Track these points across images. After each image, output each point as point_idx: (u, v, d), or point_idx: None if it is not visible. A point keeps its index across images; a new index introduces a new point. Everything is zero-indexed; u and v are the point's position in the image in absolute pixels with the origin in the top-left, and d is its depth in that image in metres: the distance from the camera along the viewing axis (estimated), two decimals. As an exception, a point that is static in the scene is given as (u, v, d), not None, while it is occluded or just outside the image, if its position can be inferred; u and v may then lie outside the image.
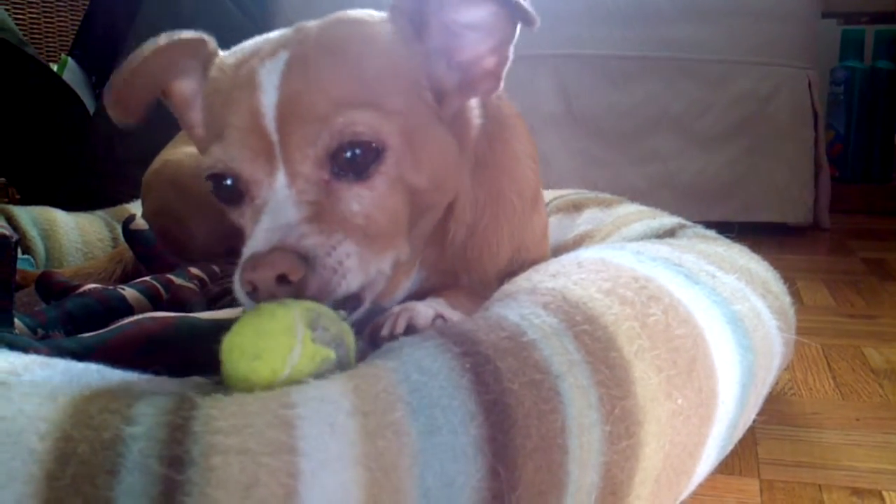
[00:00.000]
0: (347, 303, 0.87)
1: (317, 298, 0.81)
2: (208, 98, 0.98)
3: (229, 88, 0.91)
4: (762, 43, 2.81)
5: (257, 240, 0.83)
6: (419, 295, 0.98)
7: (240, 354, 0.71)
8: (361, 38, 0.93)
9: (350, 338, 0.80)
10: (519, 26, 0.95)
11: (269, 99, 0.87)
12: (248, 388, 0.71)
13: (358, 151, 0.87)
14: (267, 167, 0.88)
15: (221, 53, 1.01)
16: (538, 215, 1.23)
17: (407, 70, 0.94)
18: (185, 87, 1.09)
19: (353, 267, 0.85)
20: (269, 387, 0.71)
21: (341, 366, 0.76)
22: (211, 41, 1.04)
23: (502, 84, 0.99)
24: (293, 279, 0.79)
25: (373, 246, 0.88)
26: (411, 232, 0.96)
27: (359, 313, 0.91)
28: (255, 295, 0.81)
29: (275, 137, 0.87)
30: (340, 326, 0.79)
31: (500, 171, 1.12)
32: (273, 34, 0.96)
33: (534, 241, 1.20)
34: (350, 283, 0.85)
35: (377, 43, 0.93)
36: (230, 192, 0.93)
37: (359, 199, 0.88)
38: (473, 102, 1.06)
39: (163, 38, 1.04)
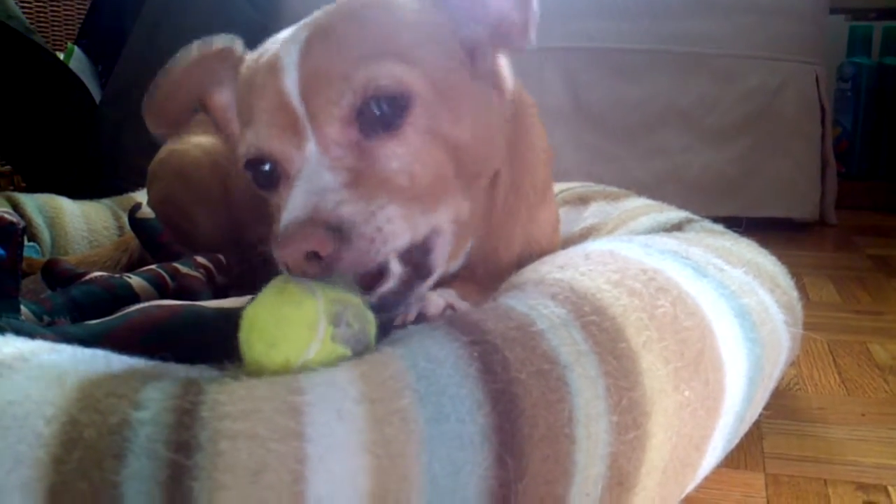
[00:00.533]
0: (418, 272, 0.87)
1: (353, 269, 0.79)
2: (240, 93, 0.98)
3: (257, 78, 0.91)
4: (770, 38, 2.79)
5: (293, 206, 0.80)
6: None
7: (258, 337, 0.72)
8: (381, 6, 0.91)
9: (373, 329, 0.79)
10: None
11: (290, 76, 0.86)
12: (259, 371, 0.71)
13: (385, 105, 0.85)
14: (297, 141, 0.86)
15: (247, 55, 1.01)
16: (548, 208, 1.22)
17: (433, 27, 0.93)
18: (224, 97, 1.09)
19: (396, 230, 0.83)
20: (278, 373, 0.71)
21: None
22: (236, 47, 1.04)
23: (533, 36, 0.95)
24: (324, 254, 0.77)
25: (418, 204, 0.86)
26: (467, 188, 0.94)
27: (433, 279, 0.91)
28: (290, 272, 0.79)
29: (301, 111, 0.86)
30: (365, 320, 0.78)
31: (520, 160, 1.10)
32: (298, 24, 0.95)
33: (543, 234, 1.20)
34: (394, 245, 0.83)
35: (398, 9, 0.92)
36: (267, 176, 0.91)
37: (396, 156, 0.86)
38: (505, 66, 1.05)
39: (195, 49, 1.04)
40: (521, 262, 1.13)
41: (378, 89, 0.85)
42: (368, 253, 0.80)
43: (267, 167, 0.91)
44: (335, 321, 0.74)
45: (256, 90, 0.90)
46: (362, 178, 0.83)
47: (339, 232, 0.78)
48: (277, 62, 0.88)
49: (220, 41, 1.04)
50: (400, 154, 0.87)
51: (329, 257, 0.77)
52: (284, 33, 0.94)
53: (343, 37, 0.87)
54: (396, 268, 0.85)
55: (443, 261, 0.91)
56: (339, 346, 0.74)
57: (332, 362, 0.73)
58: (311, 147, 0.85)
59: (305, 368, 0.71)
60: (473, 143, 0.93)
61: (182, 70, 1.03)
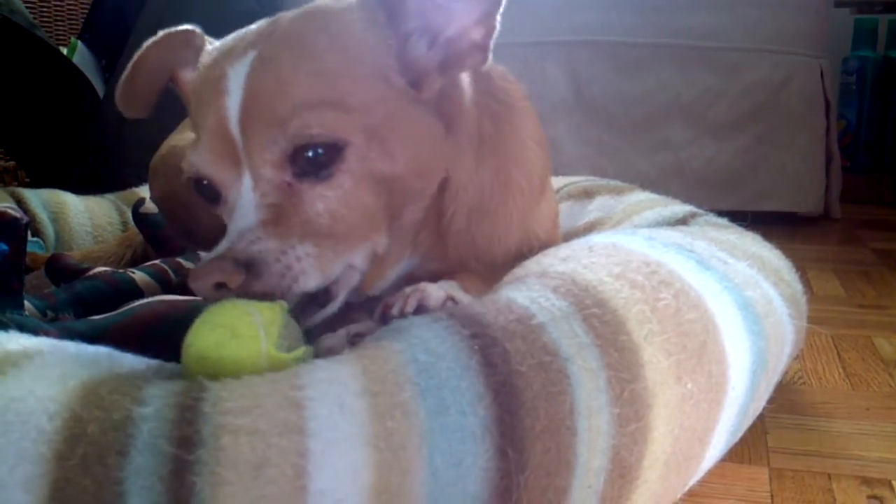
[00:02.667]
0: (315, 299, 0.89)
1: (268, 299, 0.81)
2: (190, 97, 1.00)
3: (203, 91, 0.93)
4: (775, 31, 2.79)
5: (217, 248, 0.85)
6: (413, 281, 0.97)
7: (217, 349, 0.72)
8: (325, 32, 0.92)
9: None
10: None
11: (233, 102, 0.88)
12: (239, 371, 0.71)
13: (320, 151, 0.87)
14: (234, 170, 0.89)
15: (207, 47, 1.02)
16: (546, 201, 1.22)
17: (373, 59, 0.93)
18: (187, 76, 1.10)
19: (306, 268, 0.86)
20: (257, 359, 0.72)
21: (289, 313, 0.80)
22: (199, 33, 1.06)
23: (490, 57, 0.96)
24: (231, 286, 0.81)
25: (340, 244, 0.89)
26: (394, 222, 0.96)
27: (332, 308, 0.92)
28: (206, 300, 0.82)
29: (238, 141, 0.88)
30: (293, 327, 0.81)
31: (506, 154, 1.10)
32: (250, 28, 0.96)
33: (543, 227, 1.19)
34: (303, 284, 0.86)
35: (341, 35, 0.92)
36: (208, 192, 0.95)
37: (322, 199, 0.88)
38: (464, 80, 1.05)
39: (159, 34, 1.07)
40: (520, 254, 1.13)
41: (310, 138, 0.87)
42: (277, 288, 0.83)
43: (206, 183, 0.94)
44: (280, 331, 0.76)
45: (203, 107, 0.92)
46: (283, 217, 0.87)
47: (249, 267, 0.82)
48: (222, 82, 0.89)
49: (182, 27, 1.07)
50: (328, 197, 0.89)
51: (238, 289, 0.81)
52: (239, 38, 0.95)
53: (285, 72, 0.88)
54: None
55: (345, 292, 0.93)
56: (272, 304, 0.78)
57: (283, 315, 0.78)
58: (246, 182, 0.89)
59: (273, 336, 0.75)
60: (407, 175, 0.95)
61: (146, 52, 1.07)
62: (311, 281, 0.86)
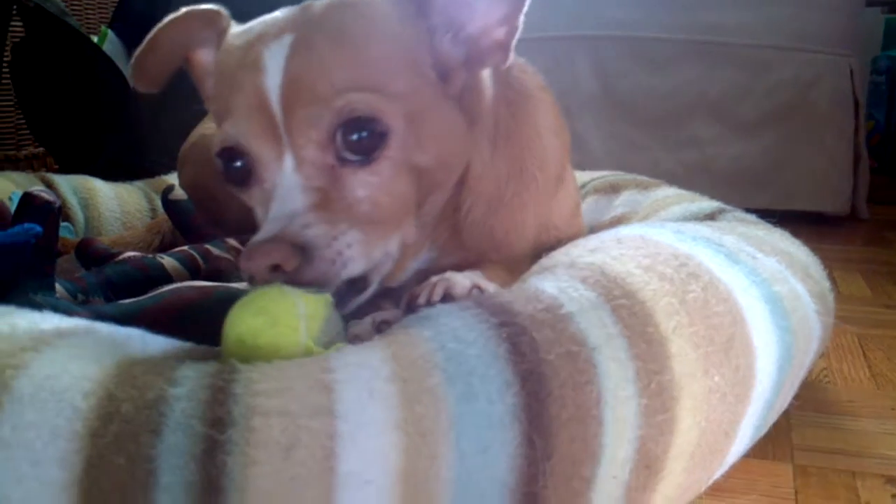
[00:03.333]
0: (354, 286, 0.89)
1: (316, 286, 0.82)
2: (217, 78, 0.99)
3: (236, 70, 0.92)
4: (804, 30, 2.77)
5: (264, 230, 0.84)
6: (431, 273, 0.98)
7: (255, 335, 0.72)
8: (363, 21, 0.92)
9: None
10: None
11: (273, 81, 0.88)
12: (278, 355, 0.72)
13: (364, 134, 0.87)
14: (275, 148, 0.89)
15: (233, 29, 1.02)
16: (565, 192, 1.22)
17: (409, 50, 0.94)
18: (205, 56, 1.10)
19: (355, 255, 0.86)
20: (294, 348, 0.73)
21: (334, 307, 0.81)
22: (225, 14, 1.05)
23: (512, 55, 0.97)
24: (287, 269, 0.80)
25: (378, 230, 0.89)
26: (418, 212, 0.97)
27: (366, 295, 0.92)
28: (253, 283, 0.82)
29: (280, 119, 0.88)
30: (335, 320, 0.82)
31: (522, 145, 1.11)
32: (278, 15, 0.96)
33: (562, 218, 1.20)
34: (351, 270, 0.86)
35: (378, 25, 0.93)
36: (239, 173, 0.94)
37: (365, 185, 0.89)
38: (486, 75, 1.05)
39: (182, 10, 1.06)
40: (539, 245, 1.15)
41: (357, 121, 0.87)
42: (327, 274, 0.83)
43: (239, 164, 0.93)
44: (321, 325, 0.77)
45: (238, 86, 0.91)
46: (329, 201, 0.87)
47: (302, 251, 0.82)
48: (260, 64, 0.89)
49: (207, 6, 1.06)
50: (370, 183, 0.89)
51: (292, 272, 0.81)
52: (269, 23, 0.95)
53: (325, 55, 0.88)
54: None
55: (379, 278, 0.93)
56: (318, 294, 0.79)
57: (326, 308, 0.79)
58: (287, 162, 0.88)
59: (314, 326, 0.76)
60: (436, 165, 0.96)
61: (166, 27, 1.05)
62: (358, 267, 0.86)
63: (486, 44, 0.97)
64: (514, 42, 0.96)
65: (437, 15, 0.96)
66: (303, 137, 0.87)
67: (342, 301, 0.87)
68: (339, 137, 0.87)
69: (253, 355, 0.71)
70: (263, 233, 0.83)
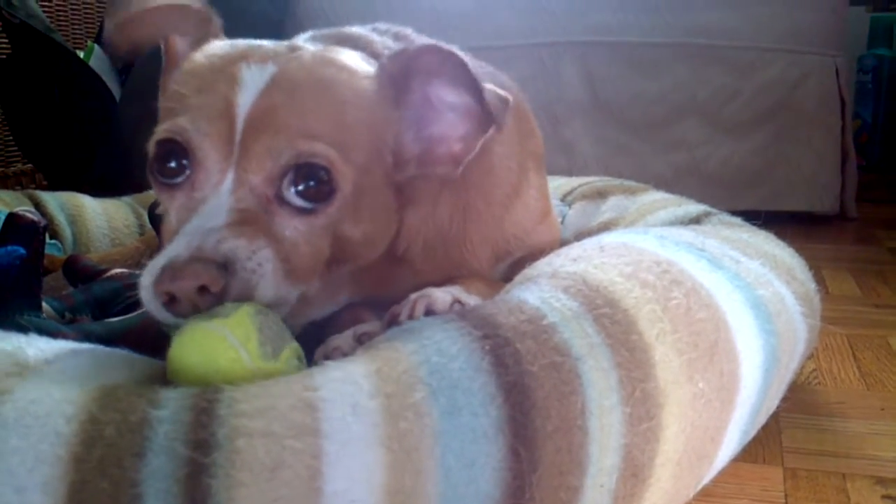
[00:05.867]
0: None
1: (239, 301, 0.80)
2: (184, 76, 0.97)
3: (209, 75, 0.91)
4: (790, 30, 2.78)
5: (177, 245, 0.81)
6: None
7: (203, 379, 0.71)
8: (347, 86, 0.93)
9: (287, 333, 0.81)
10: (491, 130, 0.95)
11: (245, 98, 0.87)
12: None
13: (311, 184, 0.87)
14: (222, 161, 0.87)
15: (216, 40, 1.01)
16: (523, 206, 1.20)
17: (377, 129, 0.94)
18: (182, 45, 1.06)
19: (269, 273, 0.83)
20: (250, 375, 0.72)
21: (259, 311, 0.78)
22: (218, 22, 1.04)
23: (459, 170, 0.98)
24: (214, 290, 0.78)
25: (287, 271, 0.87)
26: (327, 273, 0.94)
27: None
28: (173, 306, 0.79)
29: (238, 137, 0.86)
30: (230, 304, 0.79)
31: (468, 187, 1.10)
32: (265, 44, 0.97)
33: (523, 230, 1.19)
34: (266, 290, 0.83)
35: (360, 96, 0.93)
36: (171, 172, 0.90)
37: (293, 230, 0.87)
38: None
39: (180, 1, 1.04)
40: (501, 258, 1.16)
41: (312, 168, 0.86)
42: (249, 284, 0.81)
43: (173, 164, 0.90)
44: (209, 317, 0.75)
45: (208, 89, 0.90)
46: (248, 221, 0.84)
47: (224, 268, 0.79)
48: (238, 76, 0.89)
49: (206, 7, 1.05)
50: (299, 231, 0.88)
51: (218, 292, 0.78)
52: (254, 47, 0.95)
53: (305, 97, 0.88)
54: None
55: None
56: (235, 313, 0.76)
57: (253, 322, 0.75)
58: (227, 183, 0.86)
59: (251, 344, 0.73)
60: (361, 240, 0.95)
61: (164, 10, 1.02)
62: (269, 290, 0.83)
63: (441, 151, 0.98)
64: (465, 161, 0.98)
65: (409, 109, 0.97)
66: (255, 164, 0.86)
67: None
68: (288, 177, 0.86)
69: None
70: (177, 248, 0.80)
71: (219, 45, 0.98)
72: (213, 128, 0.87)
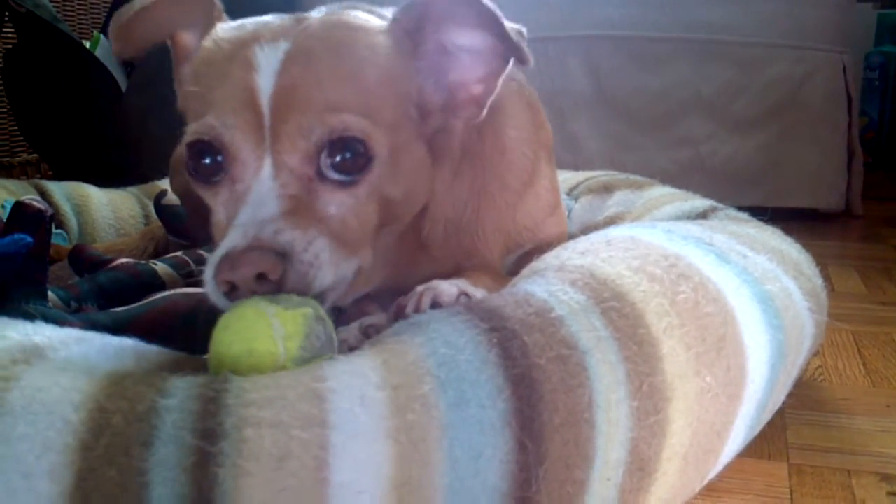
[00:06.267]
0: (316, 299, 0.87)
1: (295, 293, 0.81)
2: (200, 67, 0.96)
3: (225, 64, 0.90)
4: (797, 26, 2.77)
5: (234, 236, 0.82)
6: (395, 293, 0.98)
7: (235, 362, 0.71)
8: (362, 45, 0.92)
9: (313, 301, 0.81)
10: (511, 62, 0.95)
11: (265, 82, 0.86)
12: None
13: (348, 155, 0.87)
14: (256, 149, 0.87)
15: (223, 23, 1.00)
16: (535, 196, 1.21)
17: (399, 84, 0.94)
18: (189, 39, 1.07)
19: (327, 262, 0.84)
20: (276, 369, 0.71)
21: (322, 321, 0.78)
22: (218, 5, 1.03)
23: (484, 112, 0.99)
24: (273, 277, 0.79)
25: (341, 249, 0.88)
26: (378, 239, 0.96)
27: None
28: (234, 294, 0.79)
29: (267, 121, 0.86)
30: (299, 297, 0.80)
31: (484, 166, 1.11)
32: (271, 19, 0.96)
33: (534, 221, 1.20)
34: (323, 279, 0.84)
35: (376, 53, 0.93)
36: (208, 168, 0.91)
37: (339, 204, 0.88)
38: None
39: None
40: (511, 249, 1.17)
41: (347, 141, 0.87)
42: (307, 277, 0.82)
43: (209, 160, 0.91)
44: (274, 301, 0.76)
45: (226, 81, 0.89)
46: (301, 210, 0.85)
47: (283, 256, 0.80)
48: (253, 60, 0.88)
49: None
50: (344, 203, 0.88)
51: (277, 280, 0.79)
52: (262, 26, 0.94)
53: (323, 70, 0.88)
54: None
55: (333, 299, 0.91)
56: (296, 309, 0.76)
57: (304, 323, 0.75)
58: (266, 167, 0.86)
59: (292, 347, 0.73)
60: (402, 199, 0.96)
61: (158, 2, 1.01)
62: (328, 277, 0.84)
63: (462, 97, 0.98)
64: (489, 100, 0.98)
65: (427, 58, 0.97)
66: (289, 145, 0.86)
67: None
68: (324, 153, 0.87)
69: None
70: (234, 239, 0.81)
71: (226, 30, 0.97)
72: (240, 119, 0.87)
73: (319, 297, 0.85)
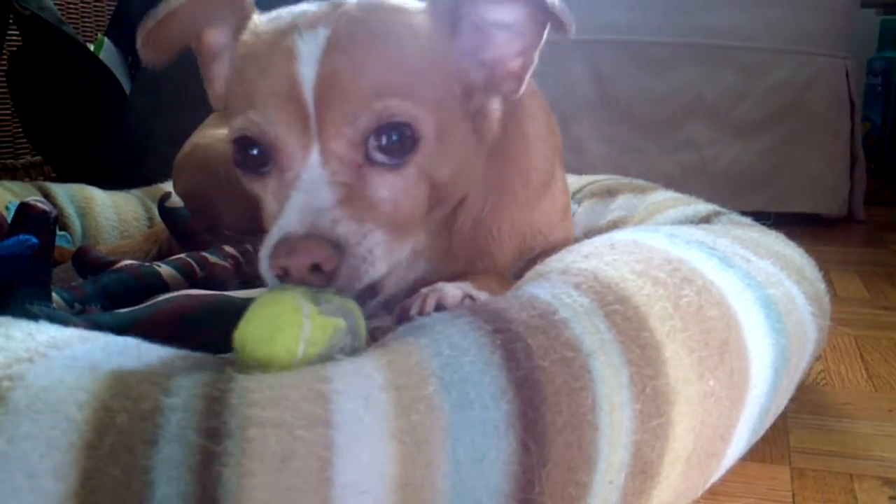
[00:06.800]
0: (366, 292, 0.88)
1: (345, 286, 0.82)
2: (240, 61, 0.97)
3: (265, 56, 0.91)
4: (800, 31, 2.78)
5: (290, 220, 0.82)
6: (422, 284, 0.98)
7: (254, 345, 0.72)
8: (402, 27, 0.93)
9: (355, 308, 0.81)
10: (547, 30, 0.96)
11: (308, 71, 0.86)
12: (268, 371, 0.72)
13: (395, 138, 0.88)
14: (302, 139, 0.87)
15: (257, 16, 1.00)
16: (551, 199, 1.22)
17: (440, 63, 0.94)
18: (216, 37, 1.08)
19: (381, 255, 0.85)
20: (287, 367, 0.72)
21: (353, 334, 0.78)
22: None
23: (524, 87, 0.99)
24: (327, 269, 0.80)
25: (396, 234, 0.89)
26: (429, 220, 0.97)
27: (377, 302, 0.91)
28: (285, 279, 0.80)
29: (311, 111, 0.86)
30: (342, 300, 0.80)
31: (509, 160, 1.12)
32: (309, 7, 0.95)
33: (546, 221, 1.21)
34: (377, 271, 0.85)
35: (416, 34, 0.93)
36: (255, 160, 0.92)
37: (389, 187, 0.89)
38: (495, 101, 1.07)
39: None
40: (524, 253, 1.17)
41: (393, 125, 0.87)
42: (358, 271, 0.83)
43: (255, 151, 0.91)
44: (315, 301, 0.76)
45: (268, 72, 0.89)
46: (354, 199, 0.86)
47: (338, 248, 0.81)
48: (294, 50, 0.88)
49: None
50: (395, 186, 0.89)
51: (330, 271, 0.80)
52: (300, 14, 0.94)
53: (365, 54, 0.88)
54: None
55: (391, 287, 0.93)
56: (330, 318, 0.75)
57: (332, 335, 0.75)
58: (314, 154, 0.87)
59: (311, 351, 0.73)
60: (450, 180, 0.96)
61: (181, 2, 1.01)
62: (382, 268, 0.86)
63: (500, 72, 0.99)
64: (528, 75, 0.98)
65: (465, 36, 0.97)
66: (336, 132, 0.86)
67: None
68: (372, 138, 0.87)
69: (249, 362, 0.72)
70: (292, 223, 0.82)
71: (264, 21, 0.98)
72: (283, 113, 0.88)
73: (372, 288, 0.86)
